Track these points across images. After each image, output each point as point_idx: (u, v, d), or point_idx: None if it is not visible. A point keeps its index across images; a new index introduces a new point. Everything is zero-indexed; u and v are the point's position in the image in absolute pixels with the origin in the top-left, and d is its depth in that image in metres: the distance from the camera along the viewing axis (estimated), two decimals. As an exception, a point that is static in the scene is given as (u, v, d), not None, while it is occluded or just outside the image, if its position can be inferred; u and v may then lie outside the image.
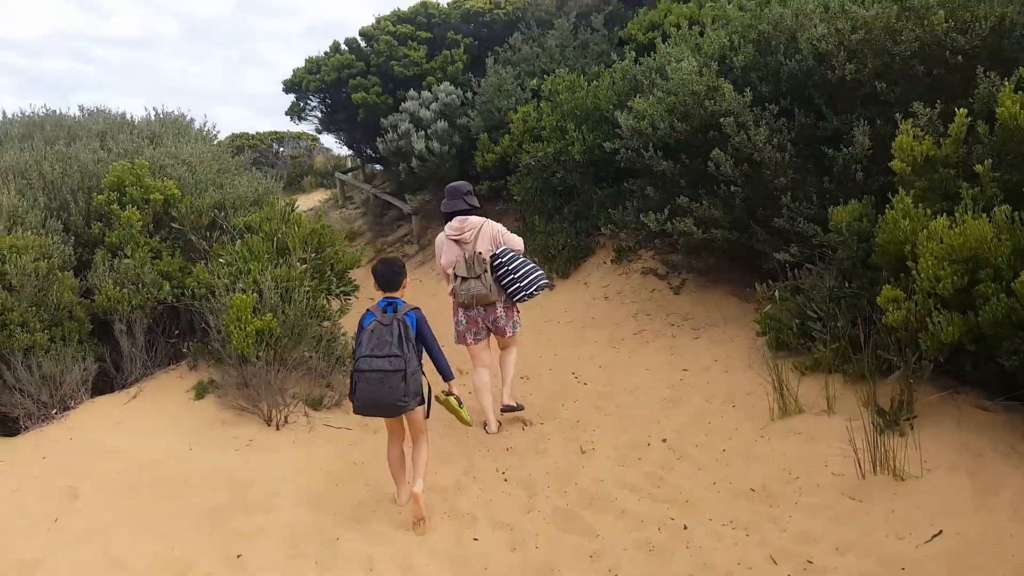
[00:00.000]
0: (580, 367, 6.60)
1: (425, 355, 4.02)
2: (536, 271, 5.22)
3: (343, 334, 6.29)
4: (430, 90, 11.93)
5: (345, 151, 18.92)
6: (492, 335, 5.33)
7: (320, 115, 14.33)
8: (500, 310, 5.16)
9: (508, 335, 5.26)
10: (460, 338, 5.27)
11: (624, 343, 7.02)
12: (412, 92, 11.94)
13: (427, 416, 4.07)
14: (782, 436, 4.49)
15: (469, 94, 11.90)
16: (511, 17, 13.08)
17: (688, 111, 6.56)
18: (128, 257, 5.53)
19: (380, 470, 4.50)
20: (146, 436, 4.68)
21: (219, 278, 5.46)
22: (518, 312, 5.45)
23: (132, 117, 8.66)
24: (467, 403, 4.52)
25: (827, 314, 5.10)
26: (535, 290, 5.17)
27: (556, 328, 7.95)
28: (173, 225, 6.03)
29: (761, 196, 6.16)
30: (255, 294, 5.21)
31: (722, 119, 6.06)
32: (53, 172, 6.26)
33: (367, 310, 3.95)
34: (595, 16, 12.13)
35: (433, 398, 4.14)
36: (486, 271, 5.02)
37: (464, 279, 5.01)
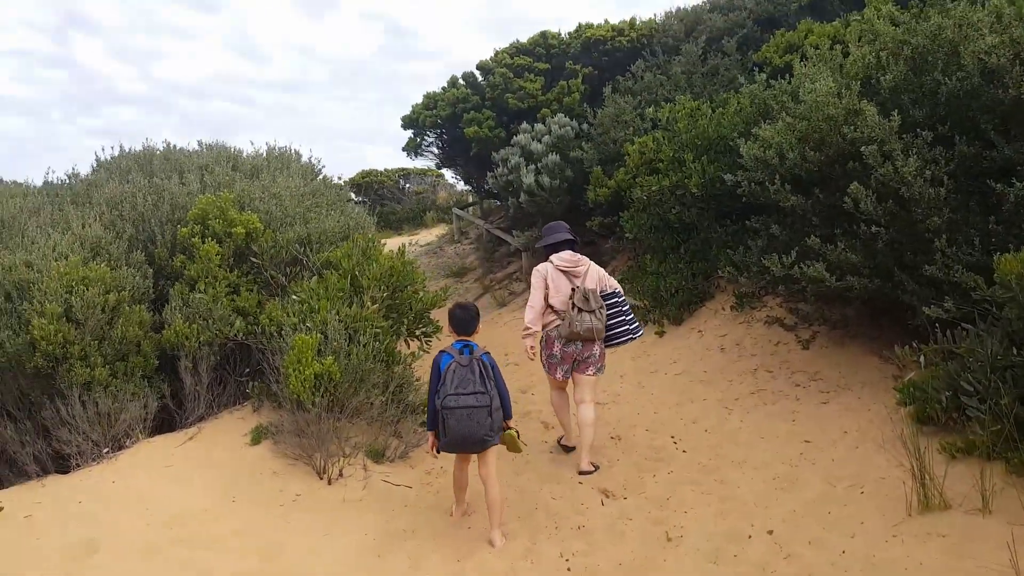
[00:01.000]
0: (682, 430, 5.74)
1: None
2: (637, 320, 5.42)
3: (417, 379, 5.78)
4: (544, 123, 11.45)
5: (462, 186, 18.84)
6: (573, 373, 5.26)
7: (437, 150, 14.19)
8: (597, 348, 5.15)
9: (590, 373, 5.19)
10: (551, 370, 5.26)
11: (738, 404, 6.09)
12: (525, 125, 11.50)
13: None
14: (920, 539, 3.50)
15: (585, 126, 11.33)
16: (635, 45, 12.45)
17: (823, 138, 5.64)
18: (201, 291, 5.27)
19: (427, 541, 3.89)
20: (188, 484, 4.30)
21: (289, 316, 5.09)
22: (605, 358, 5.38)
23: (239, 151, 8.67)
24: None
25: (988, 387, 4.04)
26: (637, 336, 5.35)
27: (661, 381, 7.10)
28: (253, 259, 5.76)
29: (910, 239, 5.14)
30: (320, 335, 4.78)
31: (863, 148, 5.12)
32: (145, 204, 6.18)
33: (441, 352, 4.12)
34: (727, 40, 11.30)
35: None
36: (602, 307, 5.09)
37: (581, 311, 5.01)
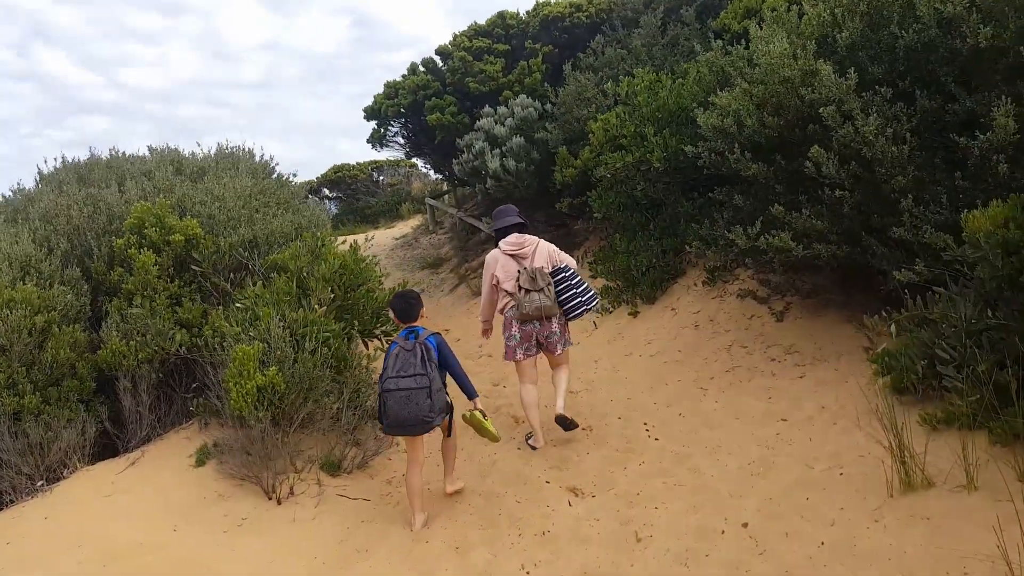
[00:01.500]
0: (655, 416, 5.52)
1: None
2: (591, 289, 5.35)
3: (375, 382, 5.53)
4: (507, 105, 11.15)
5: (435, 175, 18.52)
6: (541, 353, 5.30)
7: (403, 140, 13.88)
8: (555, 325, 5.16)
9: (558, 352, 5.21)
10: (510, 353, 5.24)
11: (713, 383, 5.88)
12: (487, 109, 11.21)
13: (448, 434, 4.44)
14: (903, 523, 3.30)
15: (549, 106, 11.05)
16: (594, 20, 12.14)
17: (780, 102, 5.40)
18: (137, 305, 4.99)
19: (383, 563, 3.66)
20: (128, 515, 4.05)
21: (232, 325, 4.82)
22: (569, 331, 5.38)
23: (189, 153, 8.35)
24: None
25: (964, 353, 3.84)
26: (593, 306, 5.29)
27: (635, 364, 6.88)
28: (194, 267, 5.48)
29: (875, 201, 4.92)
30: (264, 343, 4.52)
31: (822, 109, 4.88)
32: (80, 216, 5.88)
33: (392, 342, 4.23)
34: (686, 9, 11.00)
35: (460, 417, 4.46)
36: (549, 284, 5.09)
37: (528, 291, 5.04)
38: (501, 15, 12.66)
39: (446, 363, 4.26)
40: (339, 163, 24.38)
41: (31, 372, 4.49)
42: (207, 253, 5.49)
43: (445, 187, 20.22)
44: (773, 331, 6.26)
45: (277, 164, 8.89)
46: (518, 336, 5.17)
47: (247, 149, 9.07)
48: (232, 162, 7.95)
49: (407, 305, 4.34)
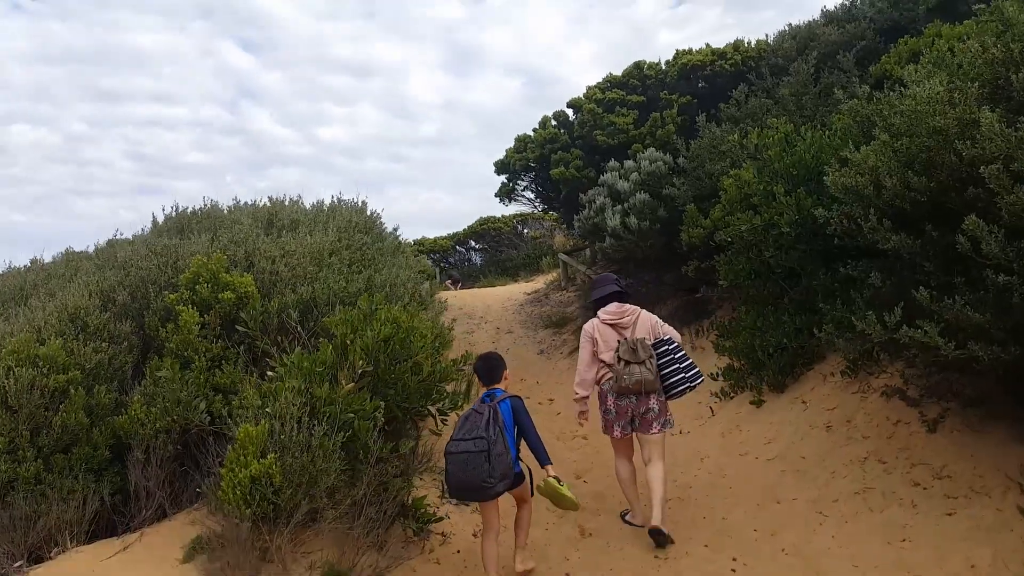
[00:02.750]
0: (751, 549, 4.40)
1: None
2: (696, 367, 5.06)
3: (426, 467, 4.85)
4: (635, 159, 10.34)
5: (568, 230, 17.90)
6: (636, 432, 4.96)
7: (532, 195, 13.40)
8: (654, 402, 4.87)
9: (654, 431, 4.87)
10: (607, 428, 5.04)
11: (835, 509, 4.66)
12: (612, 163, 10.44)
13: (532, 494, 4.33)
14: None
15: (681, 160, 10.11)
16: (739, 69, 11.11)
17: (931, 159, 4.24)
18: (166, 367, 4.64)
19: None
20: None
21: (256, 397, 4.33)
22: (670, 411, 5.07)
23: (294, 203, 8.23)
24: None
25: None
26: (697, 385, 5.00)
27: (747, 469, 5.73)
28: (238, 328, 5.10)
29: (1060, 291, 3.63)
30: (276, 422, 3.97)
31: (983, 168, 3.70)
32: (148, 266, 5.73)
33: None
34: (843, 55, 9.74)
35: (535, 488, 4.28)
36: (651, 357, 4.84)
37: (628, 363, 4.79)
38: (638, 65, 11.95)
39: (520, 426, 4.17)
40: (486, 215, 24.50)
41: (38, 437, 4.21)
42: (255, 313, 5.09)
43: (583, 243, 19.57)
44: (922, 445, 4.92)
45: (380, 214, 8.62)
46: (614, 411, 4.92)
47: (361, 201, 8.89)
48: (330, 215, 7.70)
49: (489, 367, 4.40)
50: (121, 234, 7.60)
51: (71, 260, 7.00)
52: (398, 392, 4.75)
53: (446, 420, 5.17)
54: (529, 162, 12.22)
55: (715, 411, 7.31)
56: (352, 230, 7.38)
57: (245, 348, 5.17)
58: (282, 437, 3.88)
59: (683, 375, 4.91)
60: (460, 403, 5.19)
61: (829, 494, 4.88)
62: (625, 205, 9.77)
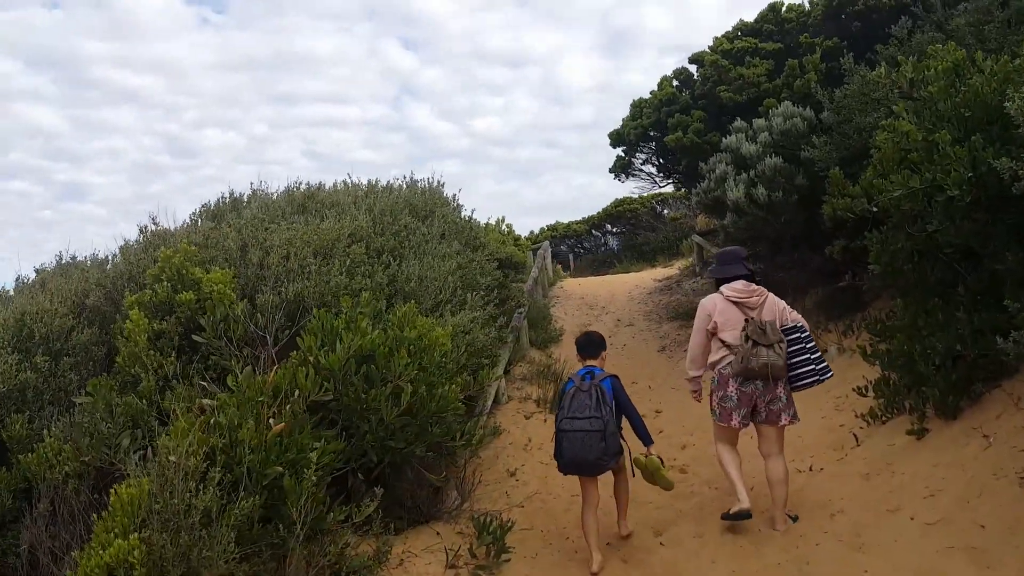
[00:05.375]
0: None
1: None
2: (825, 360, 4.73)
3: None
4: (766, 117, 8.46)
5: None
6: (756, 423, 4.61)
7: (655, 167, 11.71)
8: (781, 390, 4.52)
9: (783, 422, 4.54)
10: (724, 416, 4.58)
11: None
12: (739, 122, 8.61)
13: (622, 476, 4.58)
14: None
15: (826, 115, 8.11)
16: (900, 1, 8.84)
17: None
18: (88, 393, 3.71)
19: None
20: None
21: (177, 436, 3.28)
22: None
23: (359, 184, 7.26)
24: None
25: None
26: (826, 378, 4.67)
27: (896, 537, 4.03)
28: (194, 337, 4.09)
29: None
30: (160, 479, 2.88)
31: None
32: (124, 262, 4.90)
33: (569, 378, 4.52)
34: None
35: (634, 461, 4.51)
36: (782, 341, 4.48)
37: (756, 344, 4.42)
38: (773, 7, 9.93)
39: (621, 405, 4.32)
40: (621, 196, 22.76)
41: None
42: (213, 320, 4.05)
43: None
44: None
45: (459, 196, 7.51)
46: (735, 398, 4.51)
47: (438, 181, 7.82)
48: (371, 194, 6.64)
49: (588, 341, 4.62)
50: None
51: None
52: (373, 428, 3.54)
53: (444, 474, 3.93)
54: (647, 130, 10.55)
55: (860, 440, 5.51)
56: (399, 212, 6.25)
57: (213, 363, 4.16)
58: (159, 503, 2.77)
59: (813, 366, 4.55)
60: (477, 440, 3.94)
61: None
62: (752, 173, 7.97)
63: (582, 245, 23.87)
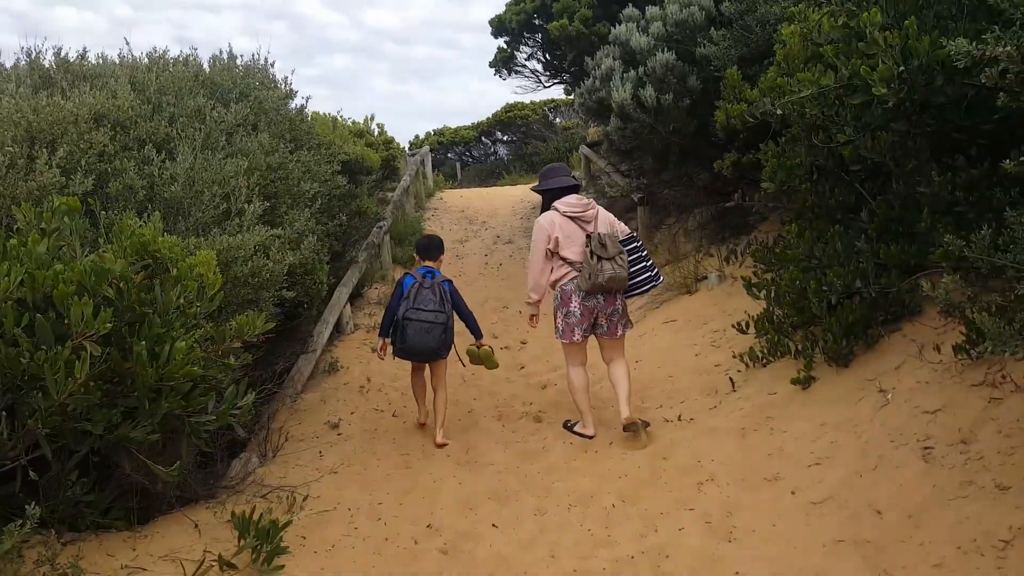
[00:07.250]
0: None
1: None
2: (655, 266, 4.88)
3: None
4: (662, 4, 7.31)
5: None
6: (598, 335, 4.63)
7: (540, 64, 10.43)
8: (619, 302, 4.62)
9: (619, 333, 4.60)
10: (567, 333, 4.57)
11: None
12: (631, 10, 7.44)
13: (464, 364, 4.97)
14: None
15: (727, 4, 7.04)
16: None
17: None
18: None
19: None
20: None
21: None
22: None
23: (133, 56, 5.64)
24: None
25: None
26: (659, 283, 4.86)
27: (772, 516, 3.23)
28: None
29: None
30: None
31: None
32: None
33: (405, 274, 4.76)
34: None
35: (467, 352, 4.85)
36: (622, 252, 4.51)
37: (600, 259, 4.40)
38: None
39: (455, 304, 4.64)
40: (512, 101, 21.36)
41: None
42: None
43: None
44: None
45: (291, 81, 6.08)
46: (578, 312, 4.53)
47: (264, 58, 6.32)
48: (137, 67, 5.14)
49: (429, 244, 4.85)
50: None
51: None
52: (41, 408, 2.32)
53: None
54: (531, 16, 9.20)
55: (736, 385, 4.74)
56: (186, 92, 4.81)
57: None
58: None
59: (648, 273, 4.71)
60: (246, 412, 2.82)
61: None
62: (641, 70, 6.88)
63: (471, 154, 22.44)
